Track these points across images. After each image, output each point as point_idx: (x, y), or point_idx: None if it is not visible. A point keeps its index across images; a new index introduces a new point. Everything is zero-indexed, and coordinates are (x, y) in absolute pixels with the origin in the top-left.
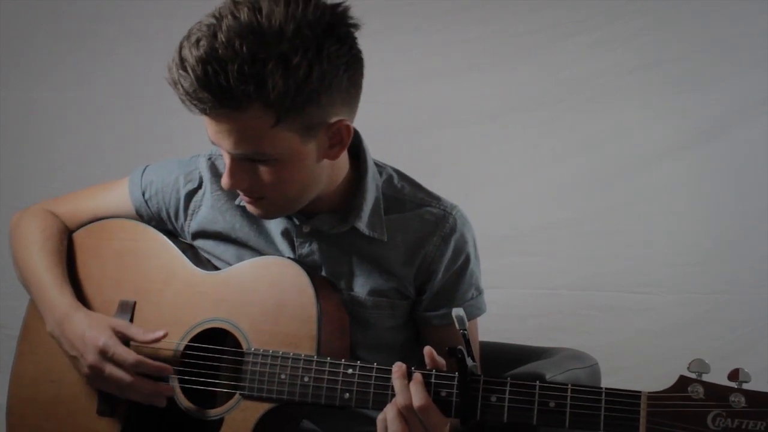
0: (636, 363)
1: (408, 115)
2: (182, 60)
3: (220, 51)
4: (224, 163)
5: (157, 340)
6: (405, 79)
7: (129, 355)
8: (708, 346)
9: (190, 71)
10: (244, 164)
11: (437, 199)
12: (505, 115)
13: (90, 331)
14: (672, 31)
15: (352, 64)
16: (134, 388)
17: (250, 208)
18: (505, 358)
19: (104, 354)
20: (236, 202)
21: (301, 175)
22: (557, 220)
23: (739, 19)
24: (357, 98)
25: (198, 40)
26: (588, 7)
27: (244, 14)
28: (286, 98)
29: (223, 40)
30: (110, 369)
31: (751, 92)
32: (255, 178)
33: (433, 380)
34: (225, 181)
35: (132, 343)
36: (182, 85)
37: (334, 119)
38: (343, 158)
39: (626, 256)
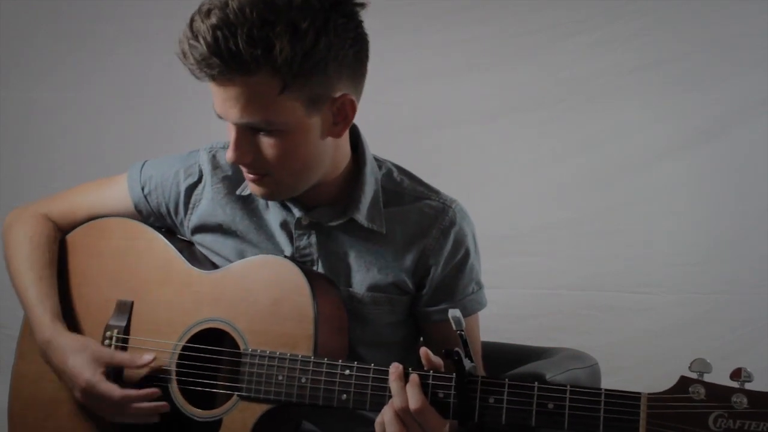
0: (636, 363)
1: (408, 115)
2: (193, 30)
3: (230, 17)
4: (229, 139)
5: (147, 365)
6: (405, 79)
7: (113, 392)
8: (708, 346)
9: (201, 39)
10: (250, 137)
11: (436, 192)
12: (505, 115)
13: (71, 364)
14: (672, 31)
15: (358, 41)
16: (125, 416)
17: (253, 188)
18: (505, 358)
19: (88, 393)
20: (238, 191)
21: (305, 149)
22: (557, 220)
23: (739, 19)
24: (362, 77)
25: (209, 11)
26: (588, 7)
27: None
28: (293, 64)
29: (235, 7)
30: (98, 404)
31: (751, 92)
32: (259, 152)
33: (430, 381)
34: (230, 154)
35: (130, 345)
36: (192, 54)
37: (338, 93)
38: (346, 146)
39: (626, 256)
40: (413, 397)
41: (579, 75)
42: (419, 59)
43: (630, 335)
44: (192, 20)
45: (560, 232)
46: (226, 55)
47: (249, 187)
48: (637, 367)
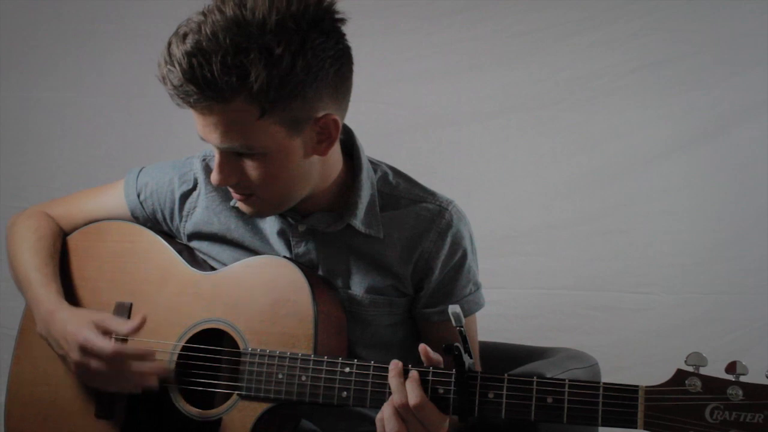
0: (636, 363)
1: (408, 115)
2: (170, 55)
3: (204, 44)
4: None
5: (137, 329)
6: (405, 79)
7: (107, 345)
8: (708, 346)
9: (176, 65)
10: (233, 159)
11: (432, 194)
12: (505, 115)
13: (71, 327)
14: (672, 31)
15: (339, 57)
16: (121, 377)
17: (241, 206)
18: (506, 358)
19: (85, 349)
20: (231, 203)
21: (289, 170)
22: (557, 220)
23: (739, 19)
24: (346, 93)
25: (185, 35)
26: (588, 7)
27: (229, 8)
28: (270, 90)
29: (208, 33)
30: (94, 363)
31: (751, 92)
32: (243, 174)
33: (430, 377)
34: (214, 177)
35: (130, 338)
36: (170, 80)
37: (321, 113)
38: (336, 155)
39: (626, 256)
40: (412, 393)
41: (579, 75)
42: (419, 59)
43: (630, 335)
44: (169, 43)
45: (560, 232)
46: (202, 83)
47: (238, 205)
48: (637, 367)
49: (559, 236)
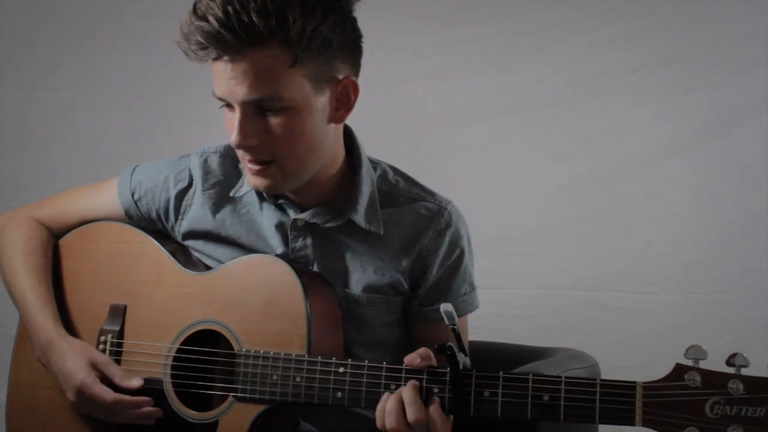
0: (636, 363)
1: (408, 115)
2: (199, 12)
3: None
4: (229, 129)
5: (133, 388)
6: (405, 79)
7: (106, 394)
8: (708, 346)
9: (210, 17)
10: (255, 118)
11: (432, 194)
12: (505, 115)
13: (69, 365)
14: (672, 31)
15: (355, 29)
16: (118, 418)
17: (255, 181)
18: (505, 358)
19: (82, 394)
20: (231, 192)
21: (310, 130)
22: (557, 220)
23: (739, 19)
24: (360, 66)
25: None
26: (588, 7)
27: None
28: (304, 37)
29: None
30: (90, 407)
31: (751, 92)
32: (265, 134)
33: (424, 376)
34: (234, 138)
35: (125, 349)
36: (198, 34)
37: (342, 75)
38: (341, 144)
39: (626, 256)
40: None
41: (579, 75)
42: (419, 59)
43: (630, 335)
44: (195, 5)
45: (560, 232)
46: (238, 27)
47: (249, 181)
48: (637, 367)
49: (559, 236)
